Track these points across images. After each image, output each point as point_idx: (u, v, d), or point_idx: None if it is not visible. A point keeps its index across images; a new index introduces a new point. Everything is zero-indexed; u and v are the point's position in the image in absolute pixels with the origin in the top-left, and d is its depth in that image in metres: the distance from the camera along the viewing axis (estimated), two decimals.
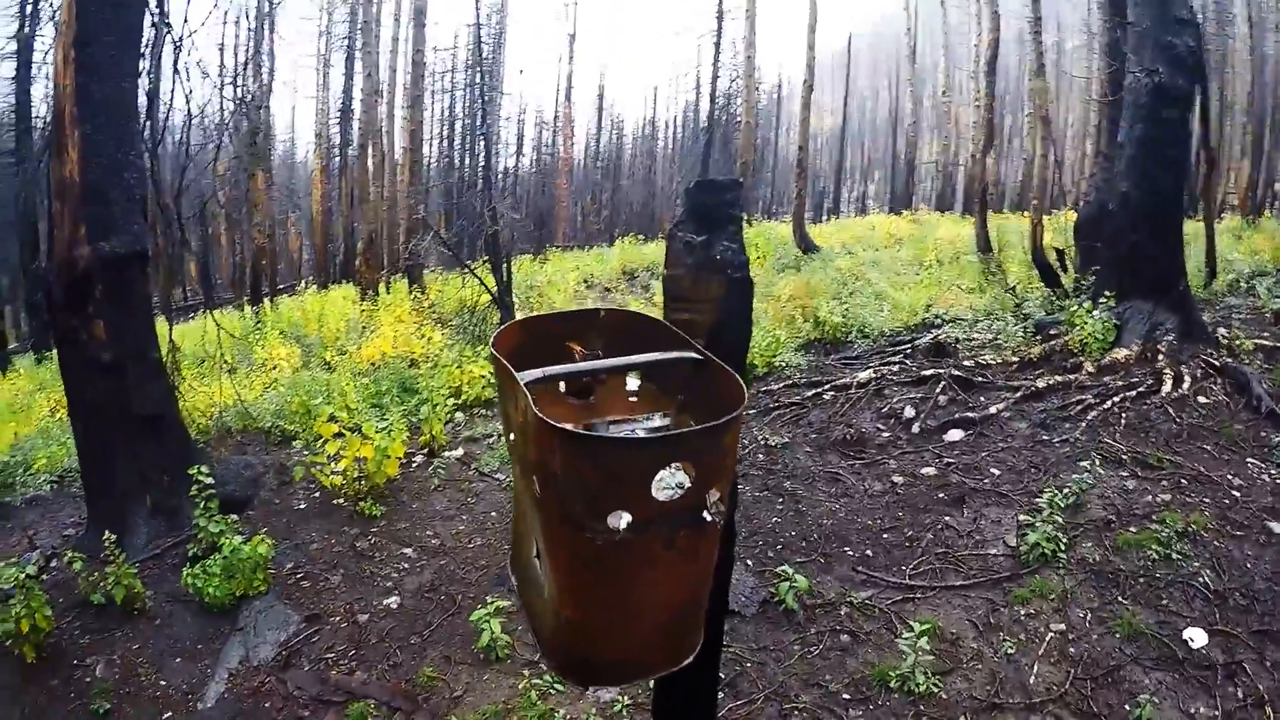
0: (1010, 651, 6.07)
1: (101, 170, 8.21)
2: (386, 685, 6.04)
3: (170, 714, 5.97)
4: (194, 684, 6.26)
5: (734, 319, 2.66)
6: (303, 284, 33.39)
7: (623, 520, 1.95)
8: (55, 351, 22.97)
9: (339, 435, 8.57)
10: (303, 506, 8.84)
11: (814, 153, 59.26)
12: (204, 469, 7.87)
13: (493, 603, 6.31)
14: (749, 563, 7.07)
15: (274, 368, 15.42)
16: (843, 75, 56.16)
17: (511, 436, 2.25)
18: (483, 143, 25.58)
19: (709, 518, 2.07)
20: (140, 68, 9.03)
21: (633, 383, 2.56)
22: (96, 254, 8.07)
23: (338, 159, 39.81)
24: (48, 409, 15.87)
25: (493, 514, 8.38)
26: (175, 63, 10.50)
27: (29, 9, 26.85)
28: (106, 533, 7.23)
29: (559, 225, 54.31)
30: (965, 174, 47.30)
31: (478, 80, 31.01)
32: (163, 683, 6.29)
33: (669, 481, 1.98)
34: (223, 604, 7.03)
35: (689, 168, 51.57)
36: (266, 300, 26.34)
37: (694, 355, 2.40)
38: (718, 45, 44.80)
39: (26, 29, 26.77)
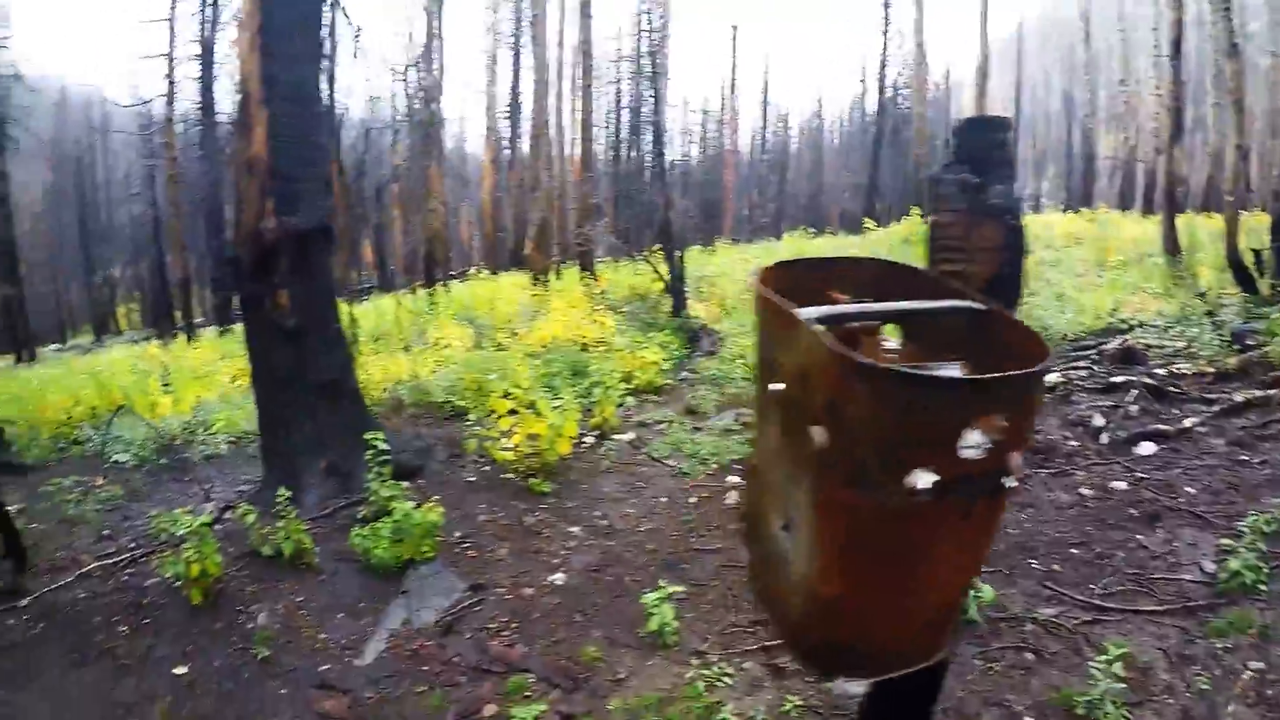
0: (1204, 688, 5.46)
1: (287, 149, 8.53)
2: (547, 661, 5.91)
3: (328, 665, 6.05)
4: (354, 640, 6.33)
5: (1012, 272, 2.35)
6: (473, 269, 34.05)
7: (922, 480, 1.66)
8: (237, 323, 24.26)
9: (513, 412, 8.60)
10: (472, 479, 8.93)
11: None
12: (380, 435, 8.08)
13: (664, 588, 6.15)
14: None
15: (446, 347, 15.80)
16: (1012, 63, 53.24)
17: (772, 387, 1.97)
18: (653, 132, 25.56)
19: (1009, 484, 1.77)
20: (321, 54, 9.28)
21: (891, 340, 2.25)
22: (283, 227, 8.36)
23: (507, 150, 40.81)
24: (228, 376, 16.67)
25: (662, 499, 8.27)
26: (354, 51, 10.81)
27: (210, 14, 28.54)
28: (281, 489, 7.38)
29: (725, 218, 53.94)
30: (1146, 169, 44.19)
31: (647, 69, 31.03)
32: (323, 635, 6.41)
33: (973, 439, 1.68)
34: (389, 566, 7.08)
35: (856, 161, 50.55)
36: (439, 284, 26.95)
37: (977, 306, 2.06)
38: (885, 33, 43.91)
39: (208, 32, 28.37)
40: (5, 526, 8.66)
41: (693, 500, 8.18)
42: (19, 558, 8.62)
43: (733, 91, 55.49)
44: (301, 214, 8.46)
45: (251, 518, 7.37)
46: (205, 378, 16.84)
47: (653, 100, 22.46)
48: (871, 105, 51.66)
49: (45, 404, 16.38)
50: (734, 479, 8.54)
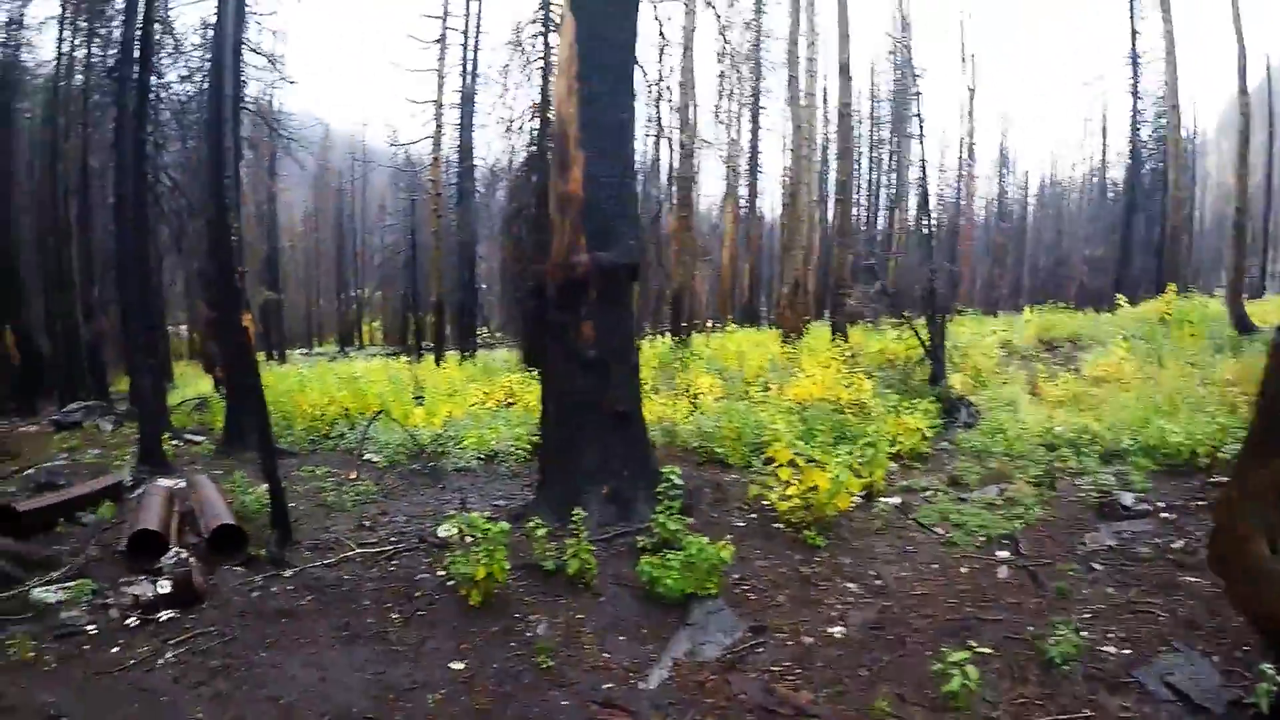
0: None
1: (601, 188, 8.94)
2: (835, 709, 5.91)
3: (610, 685, 6.12)
4: (636, 664, 6.41)
5: None
6: (709, 323, 34.33)
7: None
8: (478, 350, 25.28)
9: (792, 463, 8.73)
10: (740, 524, 8.97)
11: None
12: (676, 471, 8.34)
13: (966, 649, 5.98)
14: (1213, 657, 6.32)
15: (696, 395, 16.17)
16: (1263, 118, 46.92)
17: None
18: (919, 195, 25.16)
19: None
20: (633, 100, 9.80)
21: None
22: (594, 262, 8.82)
23: (744, 207, 41.34)
24: (475, 399, 17.53)
25: (933, 565, 8.09)
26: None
27: (470, 67, 30.39)
28: (577, 509, 7.85)
29: (962, 287, 51.16)
30: None
31: (910, 130, 30.69)
32: (605, 655, 6.52)
33: None
34: (671, 597, 7.16)
35: (1100, 229, 47.39)
36: (684, 334, 28.41)
37: None
38: (1134, 93, 40.67)
39: (469, 83, 30.29)
40: (278, 500, 9.36)
41: (964, 570, 8.05)
42: (285, 531, 9.29)
43: (970, 156, 52.44)
44: (612, 250, 8.93)
45: (542, 531, 7.74)
46: (453, 397, 17.75)
47: (922, 164, 21.72)
48: (1113, 170, 49.80)
49: (302, 400, 17.64)
50: (1003, 553, 8.37)
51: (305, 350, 43.83)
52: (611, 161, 9.11)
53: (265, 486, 11.70)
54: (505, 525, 7.40)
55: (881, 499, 9.87)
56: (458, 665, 6.48)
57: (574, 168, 9.02)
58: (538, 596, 7.46)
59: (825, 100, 42.90)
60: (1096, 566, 7.94)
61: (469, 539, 7.63)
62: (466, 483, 12.06)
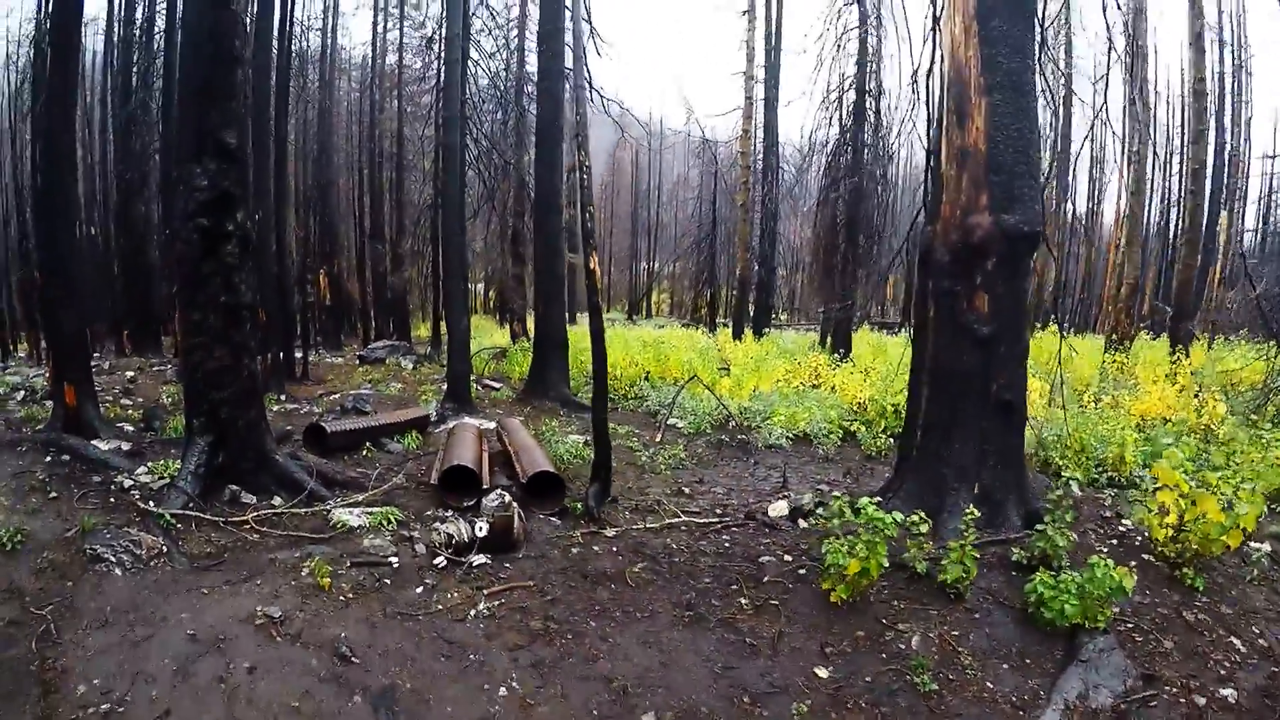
0: None
1: (1004, 141, 7.47)
2: None
3: None
4: (1024, 700, 5.26)
5: None
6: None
7: None
8: (770, 329, 24.29)
9: (1176, 486, 6.96)
10: (1102, 549, 7.26)
11: None
12: (1078, 476, 6.78)
13: None
14: None
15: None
16: None
17: None
18: None
19: None
20: (1034, 41, 8.25)
21: None
22: (996, 225, 7.39)
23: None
24: (779, 376, 16.43)
25: None
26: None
27: (775, 41, 28.78)
28: (968, 508, 6.70)
29: None
30: None
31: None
32: (989, 685, 5.40)
33: None
34: (1053, 624, 5.95)
35: None
36: None
37: None
38: None
39: (774, 58, 28.61)
40: (603, 453, 8.51)
41: None
42: (605, 487, 8.44)
43: None
44: (1016, 213, 7.43)
45: (925, 528, 6.42)
46: (759, 371, 16.81)
47: None
48: None
49: None
50: None
51: None
52: (1015, 111, 7.61)
53: (578, 438, 11.47)
54: (899, 516, 6.21)
55: (1252, 543, 7.79)
56: (822, 672, 5.46)
57: (974, 116, 7.58)
58: (905, 602, 6.29)
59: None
60: None
61: (837, 525, 6.33)
62: (779, 460, 10.95)
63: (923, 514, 6.65)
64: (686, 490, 9.37)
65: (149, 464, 8.24)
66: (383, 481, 8.67)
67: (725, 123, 73.90)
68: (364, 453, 9.99)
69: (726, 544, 7.45)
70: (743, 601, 6.26)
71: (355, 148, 30.82)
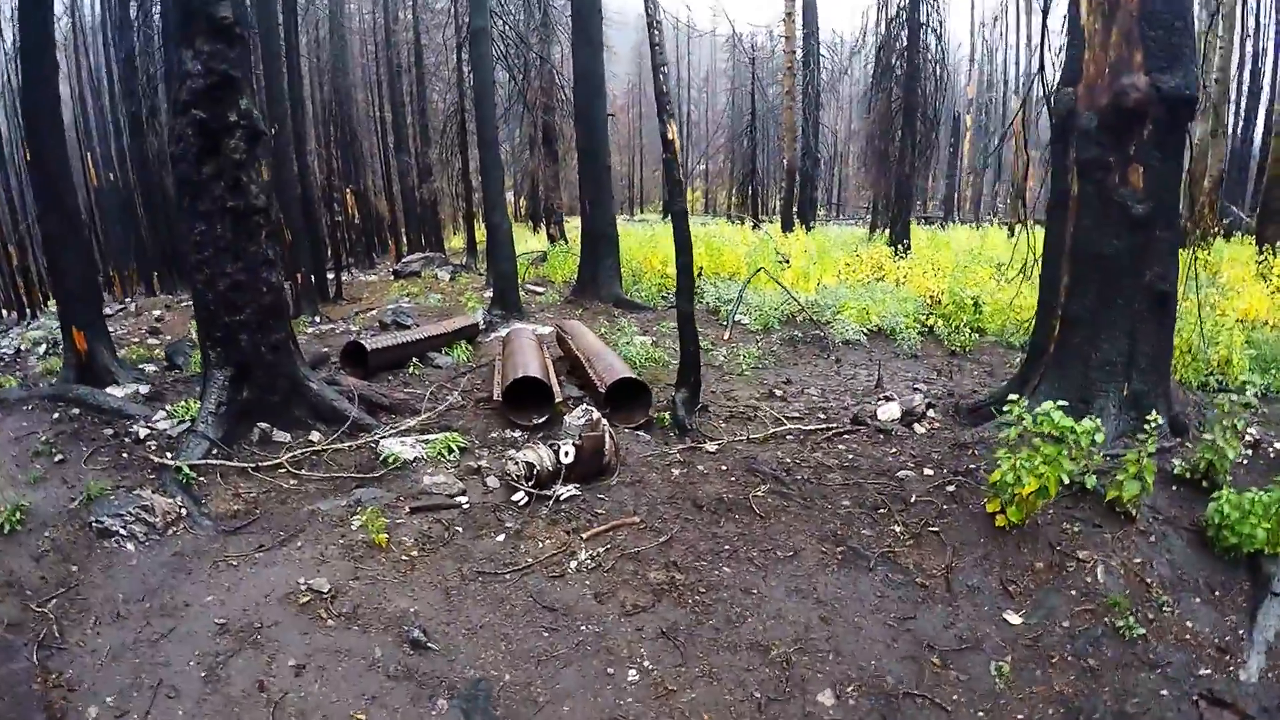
0: None
1: None
2: None
3: (1208, 670, 4.15)
4: (1226, 641, 4.37)
5: None
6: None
7: None
8: (823, 224, 22.92)
9: None
10: (1239, 463, 6.22)
11: None
12: (1256, 380, 5.66)
13: None
14: None
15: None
16: None
17: None
18: None
19: None
20: None
21: None
22: (1153, 87, 5.99)
23: None
24: (837, 269, 15.20)
25: None
26: None
27: None
28: (1121, 413, 5.69)
29: None
30: None
31: None
32: (1188, 624, 4.44)
33: None
34: (1236, 551, 5.02)
35: None
36: None
37: None
38: None
39: None
40: (691, 354, 7.19)
41: None
42: (694, 392, 7.22)
43: None
44: (1175, 74, 6.02)
45: (1100, 436, 5.11)
46: (820, 263, 15.51)
47: None
48: None
49: (653, 256, 16.03)
50: None
51: (627, 217, 42.91)
52: None
53: (644, 338, 10.33)
54: (1096, 423, 5.03)
55: None
56: (1013, 618, 4.44)
57: None
58: (1075, 523, 5.18)
59: None
60: None
61: (1011, 435, 5.11)
62: (861, 358, 9.93)
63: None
64: (778, 393, 8.22)
65: (169, 406, 6.82)
66: (436, 402, 7.45)
67: (757, 18, 71.17)
68: (409, 371, 8.76)
69: (848, 456, 6.31)
70: (897, 529, 5.13)
71: (373, 61, 29.30)
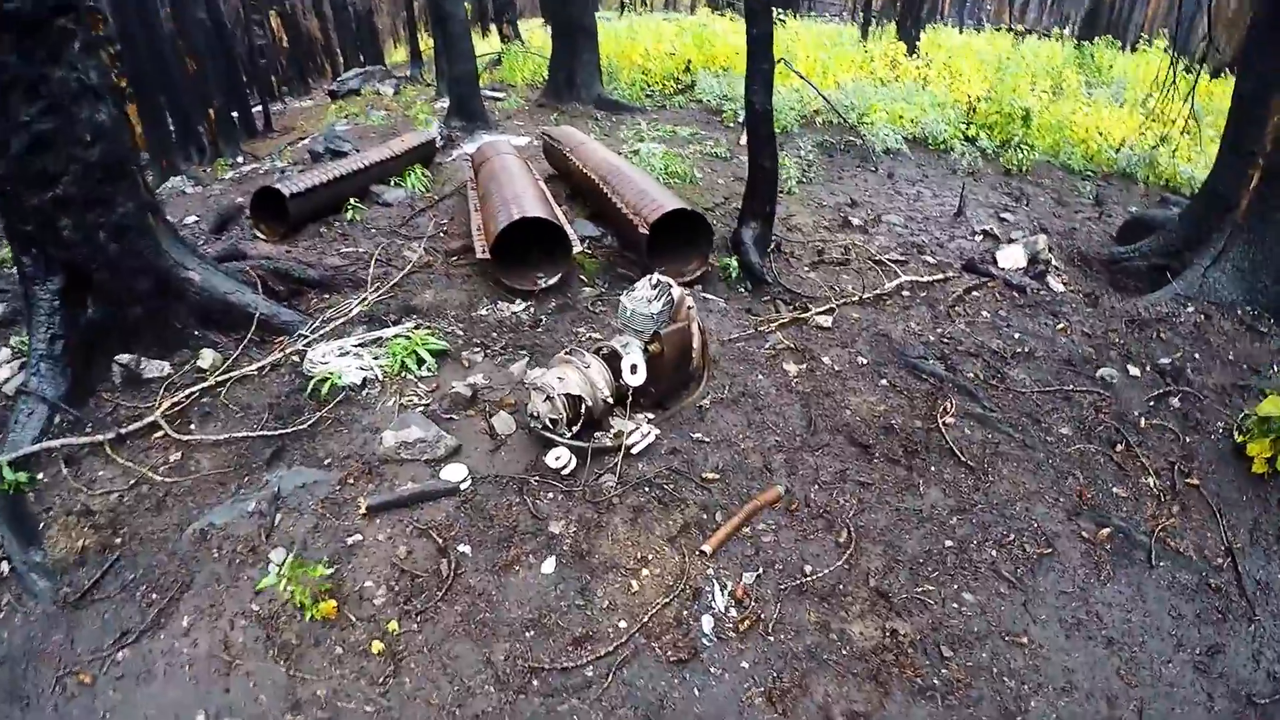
0: None
1: None
2: None
3: None
4: None
5: None
6: None
7: None
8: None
9: None
10: None
11: None
12: None
13: None
14: None
15: None
16: None
17: None
18: None
19: None
20: None
21: None
22: None
23: None
24: (854, 63, 12.68)
25: None
26: None
27: None
28: None
29: None
30: None
31: None
32: None
33: None
34: None
35: None
36: None
37: None
38: None
39: None
40: (763, 179, 5.20)
41: None
42: (767, 227, 5.27)
43: None
44: None
45: None
46: (831, 59, 12.91)
47: None
48: None
49: (631, 51, 13.62)
50: None
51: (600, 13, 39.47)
52: None
53: (655, 146, 7.92)
54: None
55: None
56: None
57: None
58: None
59: None
60: None
61: None
62: (911, 172, 8.14)
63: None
64: (854, 221, 6.24)
65: (12, 343, 4.15)
66: (389, 265, 5.00)
67: None
68: (348, 217, 6.05)
69: (1007, 330, 4.46)
70: (1152, 482, 3.38)
71: None
